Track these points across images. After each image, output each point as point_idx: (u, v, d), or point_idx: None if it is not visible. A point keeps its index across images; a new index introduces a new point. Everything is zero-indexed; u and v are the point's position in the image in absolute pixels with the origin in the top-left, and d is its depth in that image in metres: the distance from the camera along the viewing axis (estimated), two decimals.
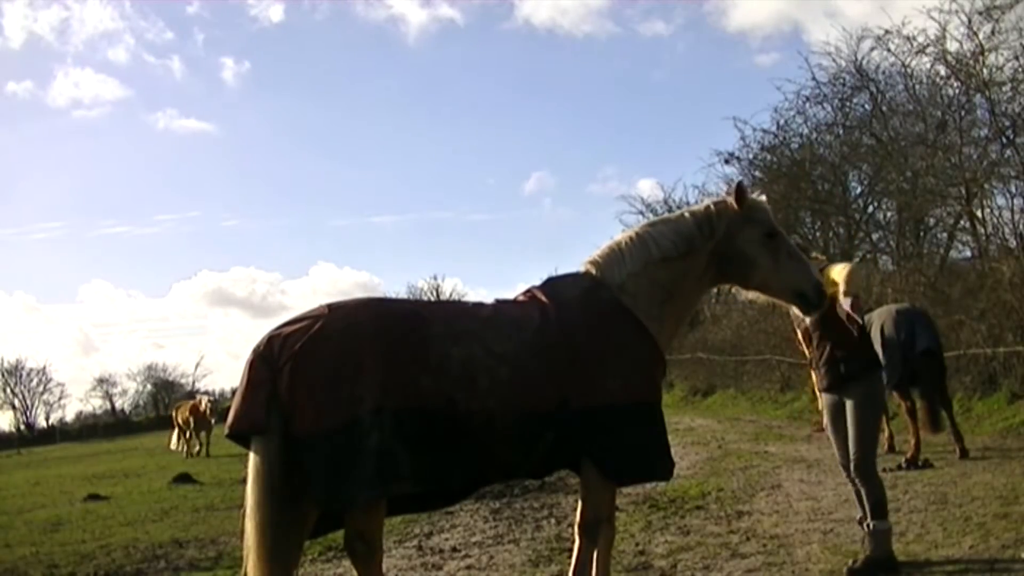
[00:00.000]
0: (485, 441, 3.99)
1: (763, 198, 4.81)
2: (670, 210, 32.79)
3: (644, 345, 4.32)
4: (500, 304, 4.41)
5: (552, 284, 4.49)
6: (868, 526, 5.30)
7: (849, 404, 5.36)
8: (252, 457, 3.86)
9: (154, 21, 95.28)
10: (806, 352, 6.07)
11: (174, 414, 24.29)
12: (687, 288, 4.58)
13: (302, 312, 4.10)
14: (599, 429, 4.13)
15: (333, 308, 4.04)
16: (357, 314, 4.00)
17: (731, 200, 4.55)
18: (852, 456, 5.35)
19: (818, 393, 6.03)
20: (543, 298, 4.35)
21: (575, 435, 4.14)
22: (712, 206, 4.62)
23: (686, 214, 4.64)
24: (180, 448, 23.09)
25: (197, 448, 22.43)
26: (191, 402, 23.67)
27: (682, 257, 4.49)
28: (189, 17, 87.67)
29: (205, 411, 22.12)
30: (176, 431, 23.66)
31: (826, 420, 5.70)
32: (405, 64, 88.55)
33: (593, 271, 4.49)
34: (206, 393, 26.24)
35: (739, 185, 4.62)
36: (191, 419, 22.44)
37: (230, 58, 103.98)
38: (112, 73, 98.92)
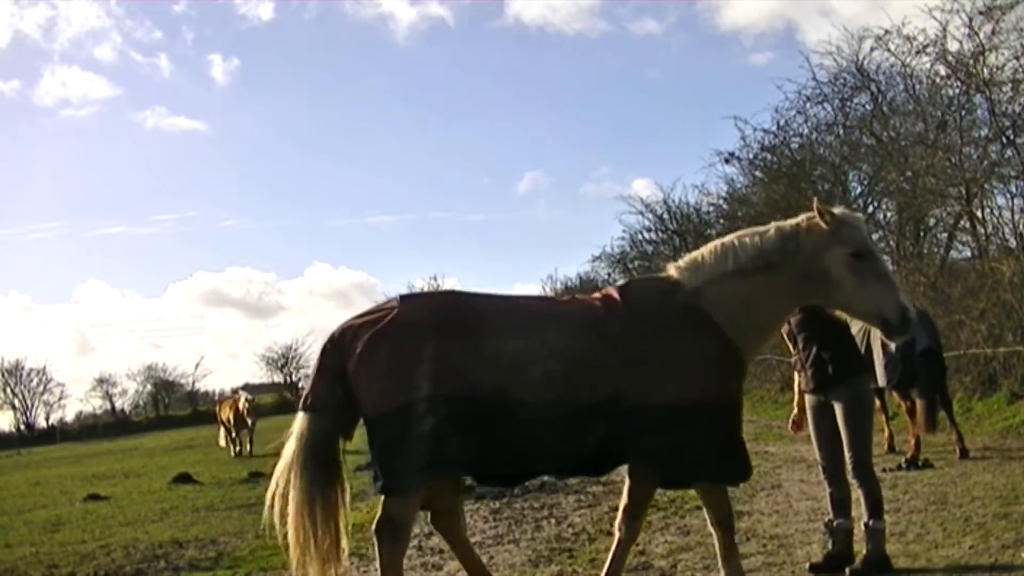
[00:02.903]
0: (534, 432, 4.15)
1: (857, 216, 4.75)
2: (669, 210, 32.96)
3: (715, 350, 4.33)
4: (568, 300, 4.61)
5: (629, 285, 4.66)
6: (866, 525, 5.32)
7: (838, 407, 5.35)
8: (301, 426, 4.25)
9: (141, 20, 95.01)
10: (791, 352, 6.06)
11: (217, 410, 23.05)
12: (768, 302, 4.55)
13: (377, 304, 4.54)
14: (654, 428, 4.21)
15: (403, 300, 4.38)
16: (420, 307, 4.34)
17: (819, 218, 4.49)
18: (849, 459, 5.36)
19: (797, 393, 6.01)
20: (616, 297, 4.47)
21: (629, 432, 4.23)
22: (801, 223, 4.58)
23: (773, 228, 4.63)
24: (227, 446, 21.82)
25: (238, 448, 21.20)
26: (233, 398, 22.36)
27: (760, 271, 4.48)
28: (177, 16, 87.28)
29: (242, 411, 20.88)
30: (222, 429, 22.26)
31: (809, 422, 5.67)
32: (395, 63, 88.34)
33: (674, 275, 4.58)
34: (244, 390, 25.06)
35: (822, 204, 4.55)
36: (231, 417, 21.27)
37: (219, 55, 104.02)
38: (99, 71, 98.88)
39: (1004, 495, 6.96)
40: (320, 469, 4.24)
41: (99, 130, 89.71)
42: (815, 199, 4.69)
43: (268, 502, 4.33)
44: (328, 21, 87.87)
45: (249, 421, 20.71)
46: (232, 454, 21.08)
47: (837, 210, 4.61)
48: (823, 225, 4.48)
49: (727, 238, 4.70)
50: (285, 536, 4.30)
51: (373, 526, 4.30)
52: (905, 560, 5.40)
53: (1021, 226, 15.53)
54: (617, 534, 4.75)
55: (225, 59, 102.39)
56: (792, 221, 4.67)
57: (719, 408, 4.30)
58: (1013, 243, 15.20)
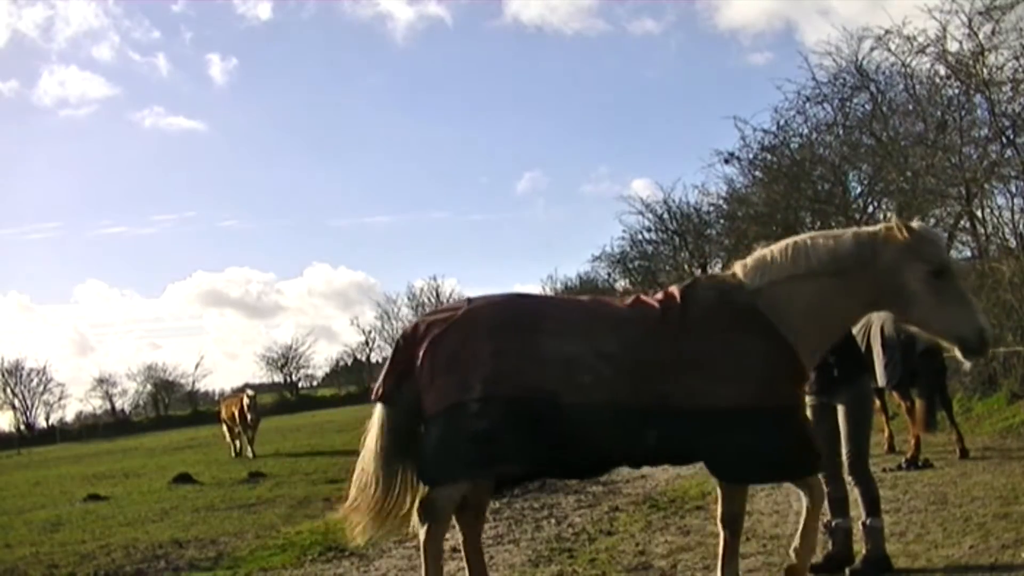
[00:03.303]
0: (586, 433, 4.26)
1: (937, 232, 4.70)
2: (669, 210, 32.95)
3: (772, 351, 4.31)
4: (627, 302, 4.65)
5: (692, 284, 4.66)
6: (864, 524, 5.34)
7: (840, 408, 5.37)
8: (376, 417, 4.57)
9: (139, 20, 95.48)
10: None
11: (221, 409, 22.52)
12: (836, 306, 4.50)
13: (450, 303, 4.87)
14: (706, 430, 4.24)
15: (471, 302, 4.58)
16: (482, 309, 4.48)
17: (897, 232, 4.41)
18: (845, 457, 5.37)
19: None
20: (677, 298, 4.50)
21: (680, 434, 4.27)
22: (879, 232, 4.52)
23: (851, 233, 4.58)
24: (229, 444, 21.32)
25: (238, 448, 20.65)
26: (238, 396, 21.80)
27: (831, 275, 4.43)
28: (175, 15, 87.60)
29: (245, 408, 20.29)
30: (226, 428, 21.72)
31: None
32: (393, 62, 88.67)
33: (739, 274, 4.56)
34: (262, 386, 24.63)
35: (902, 219, 4.49)
36: (235, 416, 20.73)
37: (217, 55, 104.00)
38: (97, 71, 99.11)
39: (1004, 495, 6.96)
40: (397, 455, 4.49)
41: (97, 130, 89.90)
42: (893, 215, 4.65)
43: (354, 485, 4.62)
44: (326, 21, 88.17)
45: (249, 418, 20.24)
46: (232, 453, 20.76)
47: (916, 224, 4.51)
48: (901, 239, 4.39)
49: (800, 237, 4.65)
50: (369, 521, 4.58)
51: (416, 507, 4.51)
52: (905, 560, 5.40)
53: (1021, 226, 15.52)
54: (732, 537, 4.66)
55: (223, 59, 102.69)
56: (870, 229, 4.60)
57: (769, 410, 4.28)
58: (1013, 243, 15.20)
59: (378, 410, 4.59)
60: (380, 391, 4.57)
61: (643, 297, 4.68)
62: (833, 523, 5.43)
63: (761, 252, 4.64)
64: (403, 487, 4.52)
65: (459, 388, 4.25)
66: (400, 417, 4.51)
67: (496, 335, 4.31)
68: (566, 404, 4.22)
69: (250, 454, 19.99)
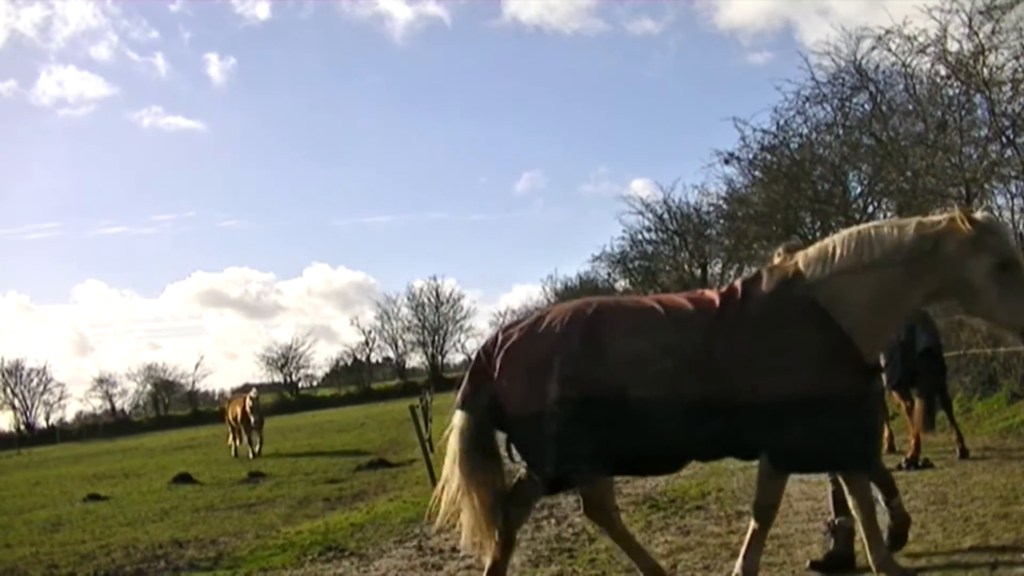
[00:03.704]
0: (654, 428, 4.43)
1: (1002, 224, 4.69)
2: (669, 210, 32.95)
3: (828, 343, 4.35)
4: (690, 298, 4.78)
5: (754, 276, 4.75)
6: (835, 521, 5.40)
7: None
8: (457, 423, 4.80)
9: (138, 19, 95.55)
10: None
11: (225, 409, 22.44)
12: (898, 297, 4.48)
13: (534, 311, 5.18)
14: (764, 421, 4.33)
15: (550, 309, 4.89)
16: (554, 315, 4.74)
17: (960, 225, 4.37)
18: None
19: None
20: (738, 292, 4.60)
21: (740, 426, 4.37)
22: (942, 223, 4.46)
23: (913, 224, 4.55)
24: (231, 445, 21.14)
25: (247, 449, 20.38)
26: (242, 396, 21.65)
27: (894, 267, 4.42)
28: (173, 15, 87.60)
29: (248, 409, 20.25)
30: (230, 429, 21.66)
31: None
32: (392, 62, 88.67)
33: (800, 265, 4.59)
34: (260, 386, 24.32)
35: (965, 210, 4.44)
36: (239, 416, 20.56)
37: (215, 55, 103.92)
38: (95, 71, 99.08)
39: (1004, 495, 6.96)
40: (478, 458, 4.72)
41: (96, 130, 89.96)
42: (956, 206, 4.56)
43: (440, 488, 4.90)
44: (325, 20, 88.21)
45: (253, 419, 20.07)
46: (233, 454, 20.62)
47: (981, 216, 4.46)
48: (964, 231, 4.35)
49: (863, 227, 4.63)
50: (455, 515, 4.84)
51: (582, 509, 5.03)
52: (905, 560, 5.39)
53: (1021, 226, 15.52)
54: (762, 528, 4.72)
55: (222, 58, 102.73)
56: (934, 219, 4.54)
57: (825, 401, 4.31)
58: (1013, 243, 15.18)
59: (457, 415, 4.82)
60: (460, 397, 4.83)
61: (707, 292, 4.82)
62: (836, 521, 5.44)
63: (823, 243, 4.69)
64: (480, 485, 4.73)
65: (535, 392, 4.50)
66: (477, 421, 4.75)
67: (565, 339, 4.54)
68: (634, 400, 4.41)
69: (252, 454, 19.83)
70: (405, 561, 7.01)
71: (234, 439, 21.06)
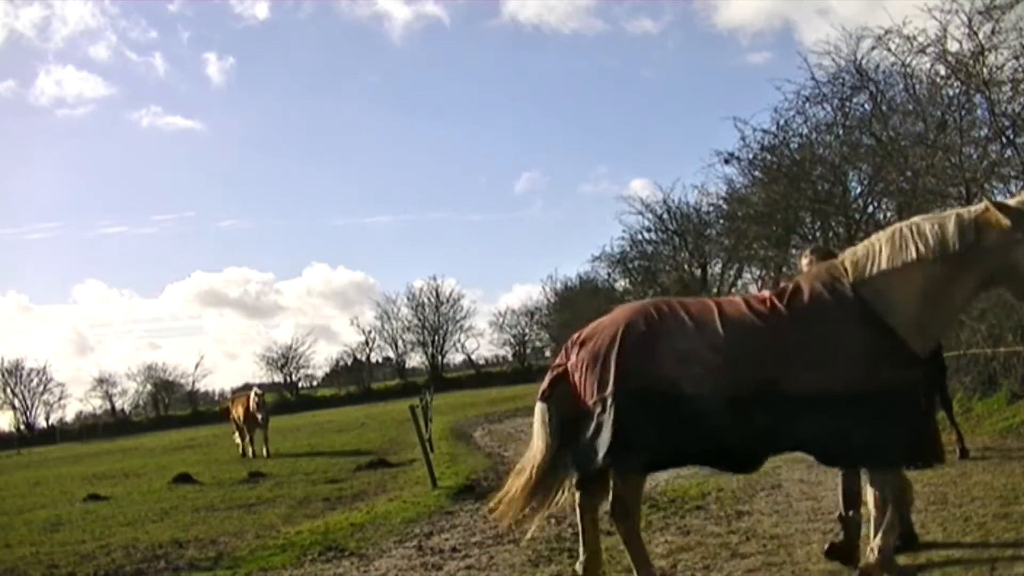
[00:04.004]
0: (705, 421, 4.60)
1: None
2: (669, 210, 32.95)
3: (872, 338, 4.41)
4: (745, 298, 4.96)
5: (807, 274, 4.88)
6: (849, 514, 5.50)
7: None
8: (537, 414, 5.13)
9: (136, 19, 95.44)
10: None
11: (230, 408, 22.11)
12: (947, 291, 4.51)
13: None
14: (807, 415, 4.44)
15: (617, 308, 5.18)
16: (618, 315, 5.02)
17: (995, 212, 4.41)
18: None
19: None
20: (788, 289, 4.76)
21: (784, 420, 4.49)
22: (981, 214, 4.49)
23: (952, 216, 4.57)
24: (239, 445, 20.83)
25: (251, 449, 20.15)
26: (246, 395, 21.31)
27: (938, 261, 4.46)
28: (172, 15, 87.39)
29: (252, 407, 20.07)
30: (235, 428, 21.40)
31: None
32: (391, 62, 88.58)
33: (848, 263, 4.68)
34: (261, 386, 23.99)
35: (997, 202, 4.47)
36: (242, 415, 20.35)
37: (214, 54, 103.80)
38: (94, 71, 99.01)
39: (1004, 495, 6.96)
40: (552, 446, 5.02)
41: (95, 129, 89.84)
42: (986, 198, 4.57)
43: (514, 472, 5.22)
44: (323, 20, 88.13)
45: (259, 417, 19.83)
46: (241, 453, 20.27)
47: (1014, 203, 4.46)
48: (1002, 220, 4.38)
49: (905, 224, 4.67)
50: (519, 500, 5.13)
51: (608, 507, 5.01)
52: (905, 560, 5.39)
53: None
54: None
55: (220, 58, 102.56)
56: (973, 209, 4.57)
57: (868, 397, 4.38)
58: None
59: (538, 408, 5.13)
60: (542, 391, 5.12)
61: (763, 292, 4.98)
62: (848, 514, 5.52)
63: (870, 240, 4.76)
64: (555, 474, 5.07)
65: (599, 386, 4.76)
66: (554, 414, 5.03)
67: (625, 337, 4.79)
68: (686, 395, 4.61)
69: (263, 452, 19.58)
70: (405, 561, 7.01)
71: (242, 439, 20.77)
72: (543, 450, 5.05)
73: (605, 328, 4.94)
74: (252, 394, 20.70)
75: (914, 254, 4.50)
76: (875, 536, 4.76)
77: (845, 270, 4.67)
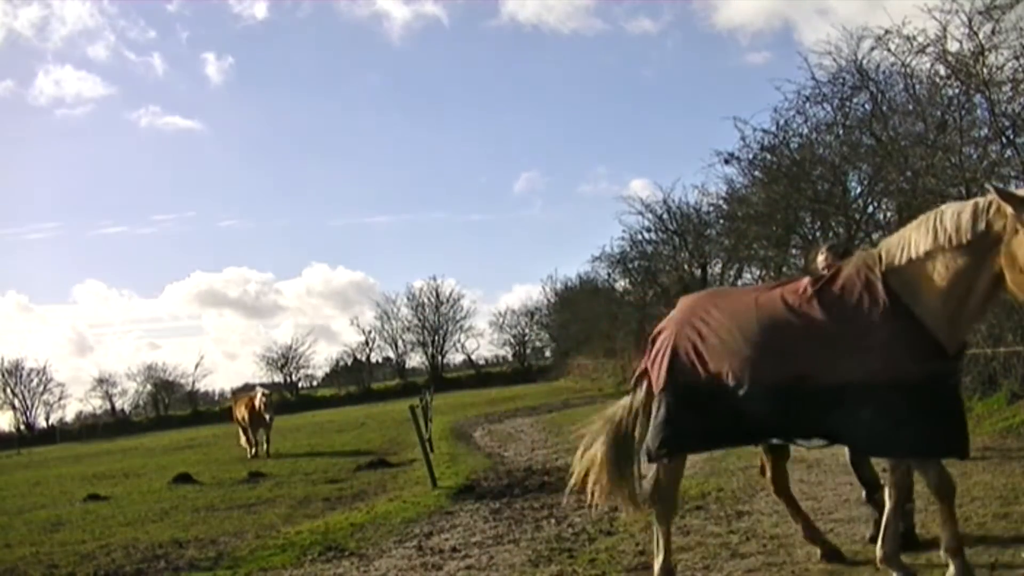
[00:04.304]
0: (748, 411, 4.78)
1: None
2: (669, 210, 32.96)
3: (897, 328, 4.40)
4: (782, 286, 5.06)
5: (846, 262, 4.92)
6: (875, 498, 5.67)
7: None
8: (624, 399, 5.57)
9: (135, 19, 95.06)
10: None
11: (232, 408, 21.80)
12: (968, 280, 4.36)
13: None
14: (836, 405, 4.51)
15: (681, 299, 5.50)
16: (677, 308, 5.38)
17: (997, 199, 4.31)
18: None
19: None
20: (824, 279, 4.82)
21: (817, 409, 4.58)
22: (990, 202, 4.36)
23: (970, 204, 4.49)
24: (245, 446, 20.50)
25: (255, 449, 19.84)
26: (249, 395, 20.98)
27: (956, 250, 4.38)
28: (170, 15, 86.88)
29: (259, 407, 19.73)
30: (240, 429, 20.99)
31: None
32: (390, 62, 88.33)
33: (882, 252, 4.68)
34: (263, 386, 23.71)
35: (1003, 190, 4.34)
36: (247, 415, 20.05)
37: (212, 54, 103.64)
38: (93, 70, 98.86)
39: (1004, 495, 6.96)
40: (626, 435, 5.45)
41: (94, 129, 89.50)
42: (991, 186, 4.39)
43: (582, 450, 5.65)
44: (322, 20, 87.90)
45: (267, 417, 19.58)
46: (249, 455, 19.94)
47: (1021, 191, 4.33)
48: (1005, 210, 4.28)
49: (932, 212, 4.58)
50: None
51: (648, 492, 5.36)
52: (905, 560, 5.39)
53: None
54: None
55: (219, 58, 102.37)
56: (991, 197, 4.37)
57: (892, 386, 4.38)
58: None
59: (628, 396, 5.53)
60: (632, 380, 5.56)
61: (800, 280, 5.01)
62: (875, 496, 5.69)
63: (903, 229, 4.75)
64: (628, 461, 5.47)
65: (659, 379, 5.10)
66: (632, 399, 5.46)
67: (676, 330, 5.12)
68: (729, 386, 4.79)
69: (264, 453, 19.36)
70: (405, 561, 7.01)
71: (247, 439, 20.47)
72: (612, 438, 5.43)
73: (668, 323, 5.26)
74: (259, 394, 20.44)
75: (931, 242, 4.44)
76: (883, 532, 4.84)
77: (880, 259, 4.64)
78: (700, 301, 5.27)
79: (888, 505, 4.88)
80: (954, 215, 4.47)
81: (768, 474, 5.83)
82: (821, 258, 6.07)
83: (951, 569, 4.61)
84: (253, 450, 19.96)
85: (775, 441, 5.20)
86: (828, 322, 4.59)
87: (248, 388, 28.96)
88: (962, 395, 4.67)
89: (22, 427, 60.80)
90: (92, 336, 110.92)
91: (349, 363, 68.19)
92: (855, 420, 4.52)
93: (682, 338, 5.05)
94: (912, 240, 4.55)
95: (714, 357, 4.89)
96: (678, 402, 4.98)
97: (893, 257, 4.60)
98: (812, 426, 4.74)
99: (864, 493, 6.01)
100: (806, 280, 4.93)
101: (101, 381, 64.33)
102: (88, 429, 57.33)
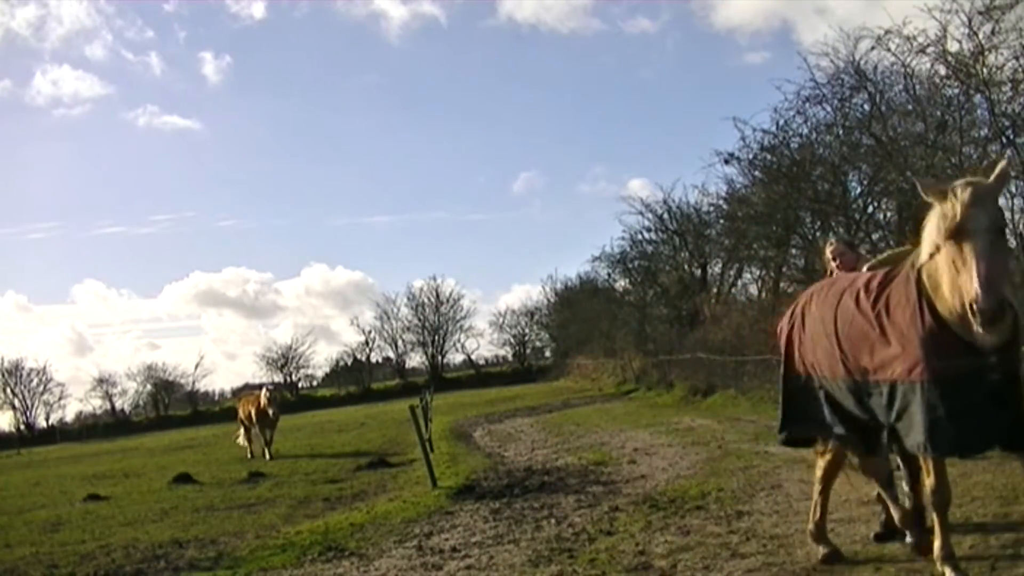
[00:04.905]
0: (840, 405, 4.99)
1: (956, 186, 4.23)
2: (669, 210, 33.01)
3: (917, 325, 4.38)
4: (855, 278, 5.13)
5: (900, 253, 5.11)
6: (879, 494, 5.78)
7: None
8: None
9: (132, 19, 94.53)
10: None
11: (239, 407, 21.43)
12: (948, 274, 4.21)
13: None
14: (886, 401, 4.56)
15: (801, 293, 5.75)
16: (795, 302, 5.59)
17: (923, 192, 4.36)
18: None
19: None
20: (876, 273, 4.94)
21: (875, 406, 4.68)
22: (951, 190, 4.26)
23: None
24: (245, 445, 20.25)
25: (262, 448, 19.44)
26: (255, 394, 20.57)
27: (945, 241, 4.25)
28: (168, 14, 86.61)
29: (264, 404, 19.38)
30: (241, 427, 20.67)
31: None
32: (388, 62, 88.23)
33: (919, 250, 4.62)
34: (270, 384, 23.27)
35: (923, 180, 4.41)
36: (253, 414, 19.70)
37: (210, 54, 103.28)
38: (90, 70, 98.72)
39: (1004, 495, 6.96)
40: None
41: (92, 129, 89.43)
42: (917, 179, 4.55)
43: None
44: (320, 19, 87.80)
45: (271, 412, 19.27)
46: (248, 454, 19.78)
47: (943, 186, 4.28)
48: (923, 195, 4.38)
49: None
50: None
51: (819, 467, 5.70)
52: (905, 560, 5.40)
53: (1021, 226, 15.53)
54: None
55: (217, 57, 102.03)
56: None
57: (916, 383, 4.35)
58: (1013, 243, 15.21)
59: None
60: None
61: (864, 273, 5.11)
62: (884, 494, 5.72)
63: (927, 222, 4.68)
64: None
65: (781, 366, 5.45)
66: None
67: (791, 322, 5.38)
68: (817, 379, 5.05)
69: (268, 453, 18.99)
70: (405, 561, 7.02)
71: (250, 439, 20.19)
72: None
73: (787, 313, 5.56)
74: (264, 390, 20.15)
75: (936, 234, 4.33)
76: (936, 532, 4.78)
77: (917, 255, 4.56)
78: (812, 290, 5.44)
79: (933, 504, 4.74)
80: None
81: (823, 456, 5.74)
82: (829, 249, 6.07)
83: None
84: (253, 448, 19.68)
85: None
86: (877, 317, 4.63)
87: (248, 388, 28.77)
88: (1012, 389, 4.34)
89: (22, 427, 60.76)
90: (91, 336, 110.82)
91: (349, 363, 68.16)
92: (899, 417, 4.51)
93: (790, 333, 5.36)
94: (926, 234, 4.49)
95: (809, 351, 5.13)
96: (787, 392, 5.38)
97: (919, 253, 4.56)
98: (881, 422, 4.73)
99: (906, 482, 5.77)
100: (880, 273, 4.89)
101: (101, 381, 64.29)
102: (88, 429, 57.30)
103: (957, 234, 4.07)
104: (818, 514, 5.71)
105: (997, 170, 4.21)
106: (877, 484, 5.56)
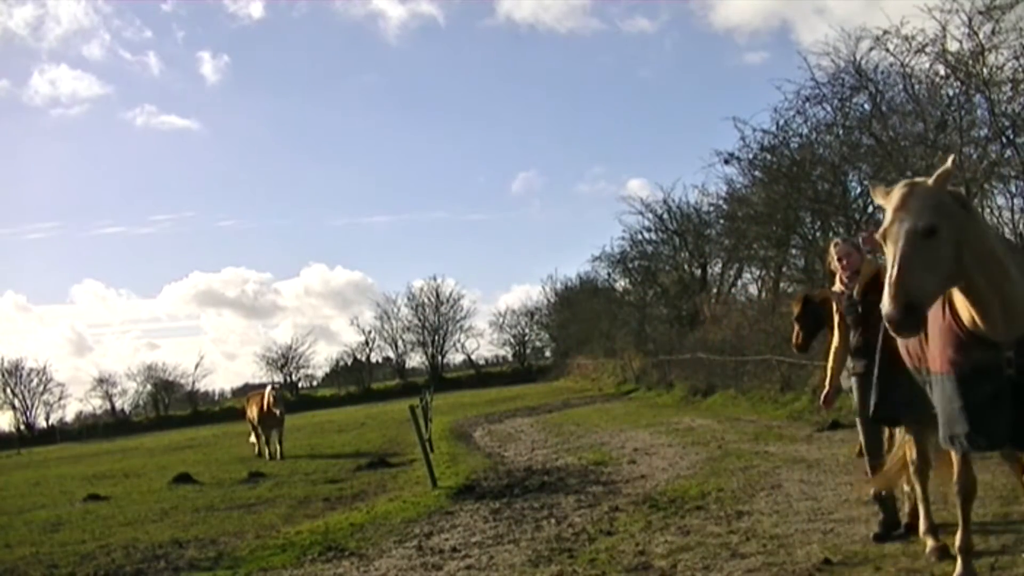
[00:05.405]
0: (921, 392, 5.02)
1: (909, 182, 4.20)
2: (669, 210, 33.04)
3: (939, 320, 4.41)
4: None
5: None
6: (881, 493, 5.97)
7: None
8: None
9: (130, 18, 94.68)
10: (835, 338, 6.17)
11: (245, 407, 21.02)
12: (957, 267, 4.05)
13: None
14: (930, 391, 4.70)
15: None
16: None
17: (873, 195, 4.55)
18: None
19: (830, 371, 6.20)
20: None
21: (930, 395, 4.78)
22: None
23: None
24: (255, 445, 19.91)
25: (268, 449, 19.07)
26: (260, 393, 20.13)
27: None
28: (166, 14, 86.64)
29: (268, 403, 18.94)
30: (251, 428, 20.32)
31: (856, 399, 6.05)
32: (386, 61, 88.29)
33: None
34: (275, 383, 22.81)
35: (874, 185, 4.59)
36: (258, 414, 19.29)
37: (208, 53, 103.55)
38: (88, 70, 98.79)
39: (1004, 495, 6.96)
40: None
41: (90, 129, 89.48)
42: (870, 182, 4.55)
43: None
44: (318, 19, 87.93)
45: (277, 412, 18.84)
46: (256, 453, 19.50)
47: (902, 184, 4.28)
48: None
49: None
50: None
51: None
52: (905, 560, 5.40)
53: (1021, 226, 15.53)
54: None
55: (215, 57, 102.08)
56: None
57: (942, 376, 4.41)
58: (1013, 243, 15.21)
59: None
60: None
61: None
62: (883, 492, 5.83)
63: None
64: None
65: None
66: None
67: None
68: (909, 370, 5.10)
69: (278, 455, 18.53)
70: (405, 561, 7.02)
71: (258, 439, 19.82)
72: None
73: None
74: (269, 389, 19.73)
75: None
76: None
77: None
78: None
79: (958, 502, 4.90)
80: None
81: (911, 455, 5.90)
82: (834, 250, 6.08)
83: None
84: (267, 451, 19.20)
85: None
86: (932, 311, 4.60)
87: (248, 389, 28.59)
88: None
89: (22, 427, 60.76)
90: (91, 336, 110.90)
91: (349, 363, 68.18)
92: (931, 410, 4.71)
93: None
94: None
95: (889, 338, 5.02)
96: (880, 377, 5.52)
97: None
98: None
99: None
100: None
101: (101, 381, 64.29)
102: (88, 429, 57.29)
103: (884, 238, 4.01)
104: (924, 510, 5.79)
105: (938, 171, 4.11)
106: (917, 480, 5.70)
